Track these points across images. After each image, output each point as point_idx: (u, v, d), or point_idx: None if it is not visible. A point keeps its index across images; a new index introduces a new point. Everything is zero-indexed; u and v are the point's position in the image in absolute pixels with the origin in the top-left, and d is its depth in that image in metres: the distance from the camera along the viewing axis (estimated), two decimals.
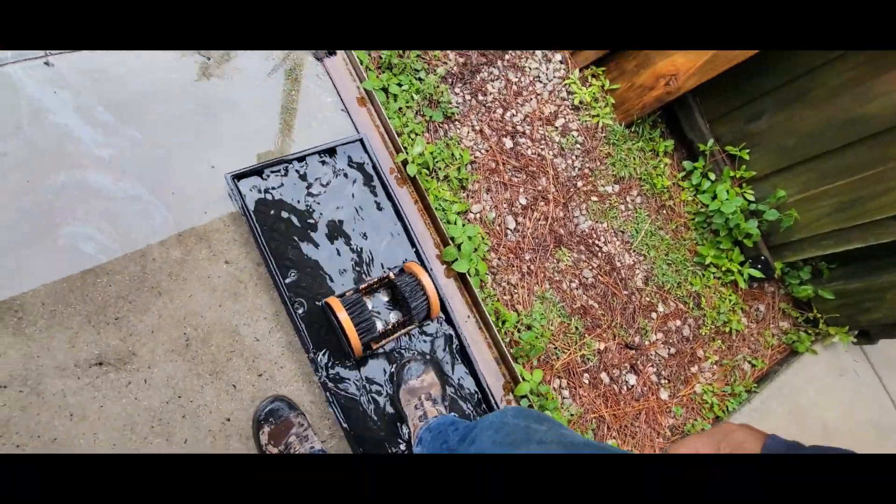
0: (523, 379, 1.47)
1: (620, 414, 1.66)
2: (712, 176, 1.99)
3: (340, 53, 1.58)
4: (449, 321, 1.43)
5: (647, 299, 1.85)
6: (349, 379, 1.30)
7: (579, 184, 1.89)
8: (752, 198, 1.92)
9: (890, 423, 2.06)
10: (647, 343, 1.80)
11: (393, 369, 1.34)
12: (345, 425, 1.22)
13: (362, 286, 1.34)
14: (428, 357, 1.37)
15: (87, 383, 1.12)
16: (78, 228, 1.19)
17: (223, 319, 1.25)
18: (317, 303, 1.32)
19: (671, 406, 1.75)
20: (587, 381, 1.66)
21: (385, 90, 1.61)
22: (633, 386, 1.72)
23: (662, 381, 1.78)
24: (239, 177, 1.31)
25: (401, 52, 1.67)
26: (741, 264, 1.97)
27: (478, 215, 1.68)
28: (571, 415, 1.58)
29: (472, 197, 1.69)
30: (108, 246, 1.20)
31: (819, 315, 2.01)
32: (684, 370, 1.82)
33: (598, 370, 1.69)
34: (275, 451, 1.14)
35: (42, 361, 1.09)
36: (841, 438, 1.92)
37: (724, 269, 1.97)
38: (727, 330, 1.93)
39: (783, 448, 0.46)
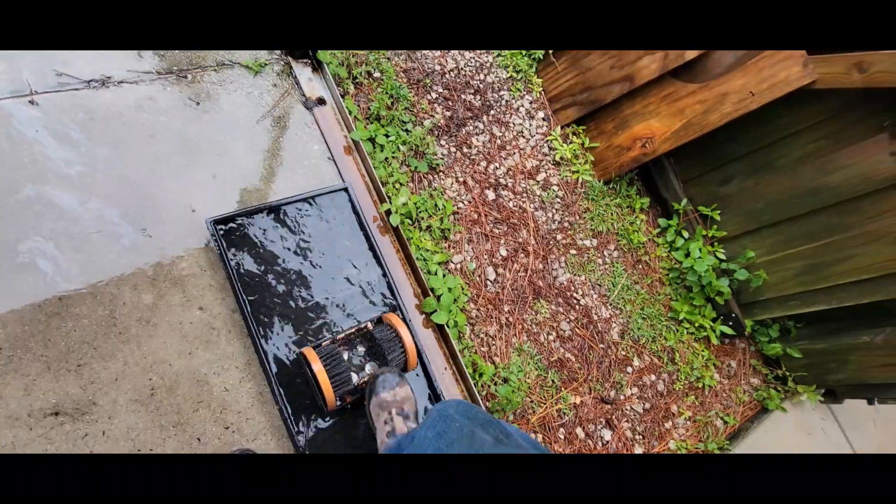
0: None
1: None
2: (686, 234, 2.06)
3: (330, 102, 1.61)
4: (426, 373, 1.41)
5: (623, 353, 1.87)
6: (322, 432, 1.26)
7: (559, 237, 1.93)
8: (723, 256, 1.99)
9: None
10: (622, 398, 1.80)
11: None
12: None
13: (339, 336, 1.32)
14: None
15: (40, 434, 1.06)
16: (42, 253, 1.15)
17: (192, 368, 1.21)
18: (293, 352, 1.29)
19: None
20: (563, 437, 1.65)
21: (372, 140, 1.64)
22: (607, 442, 1.71)
23: (637, 437, 1.77)
24: (219, 221, 1.30)
25: (389, 104, 1.72)
26: (713, 320, 2.02)
27: (459, 265, 1.69)
28: None
29: (454, 247, 1.71)
30: (79, 282, 1.17)
31: (788, 373, 2.06)
32: (658, 426, 1.82)
33: (573, 425, 1.68)
34: None
35: None
36: None
37: (697, 324, 2.01)
38: (700, 385, 1.96)
39: None
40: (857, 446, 2.18)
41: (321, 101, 1.59)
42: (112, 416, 1.12)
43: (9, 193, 1.17)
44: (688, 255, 2.00)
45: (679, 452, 1.79)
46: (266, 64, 1.58)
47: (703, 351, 2.01)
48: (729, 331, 1.99)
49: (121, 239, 1.24)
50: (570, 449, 1.63)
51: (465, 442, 0.60)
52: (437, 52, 1.95)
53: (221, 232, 1.31)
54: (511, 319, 1.71)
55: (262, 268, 1.33)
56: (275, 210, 1.39)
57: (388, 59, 1.82)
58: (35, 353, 1.10)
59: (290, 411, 1.23)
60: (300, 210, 1.43)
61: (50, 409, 1.07)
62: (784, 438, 1.99)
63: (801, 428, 2.06)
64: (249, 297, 1.28)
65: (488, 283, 1.73)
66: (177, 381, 1.19)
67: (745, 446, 1.90)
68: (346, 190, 1.48)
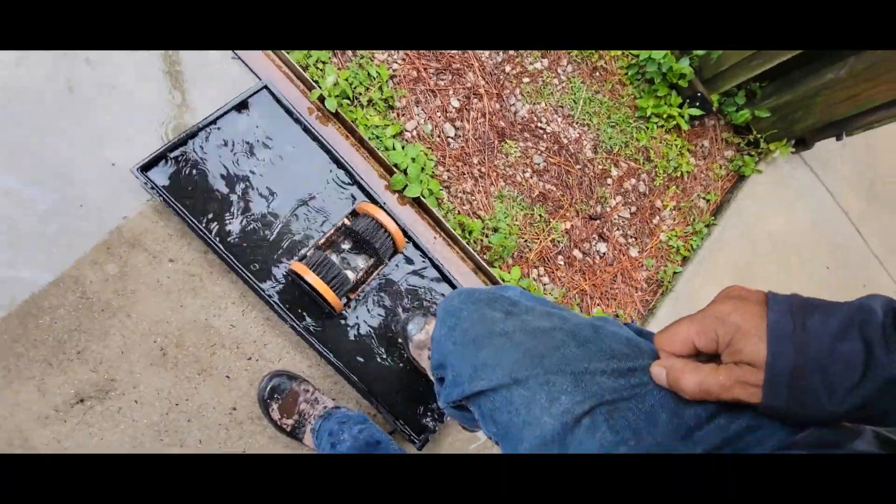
0: (503, 280, 1.50)
1: (599, 282, 1.75)
2: None
3: None
4: (417, 247, 1.41)
5: (600, 167, 1.86)
6: (338, 331, 1.29)
7: (507, 68, 1.79)
8: None
9: (826, 215, 2.25)
10: (608, 209, 1.84)
11: (393, 323, 1.34)
12: (352, 376, 1.24)
13: (321, 241, 1.28)
14: (429, 308, 1.37)
15: (78, 422, 1.08)
16: None
17: (190, 318, 1.20)
18: (279, 268, 1.27)
19: (642, 260, 1.84)
20: (562, 263, 1.72)
21: None
22: (604, 253, 1.80)
23: (630, 241, 1.86)
24: (146, 167, 1.17)
25: None
26: (680, 106, 1.98)
27: (414, 131, 1.59)
28: (555, 298, 1.65)
29: (403, 114, 1.59)
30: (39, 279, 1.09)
31: (759, 135, 2.09)
32: (647, 224, 1.90)
33: (569, 249, 1.74)
34: (290, 422, 1.16)
35: (17, 419, 1.04)
36: (785, 243, 2.10)
37: (665, 115, 1.97)
38: (678, 174, 1.99)
39: (786, 311, 0.40)
40: (826, 181, 2.31)
41: None
42: (136, 384, 1.13)
43: None
44: None
45: (670, 242, 1.89)
46: None
47: (675, 140, 2.00)
48: (697, 111, 1.97)
49: (55, 219, 1.13)
50: (571, 271, 1.71)
51: (477, 326, 0.59)
52: None
53: (153, 177, 1.19)
54: (483, 170, 1.67)
55: (214, 198, 1.24)
56: (195, 135, 1.24)
57: None
58: (28, 356, 1.07)
59: (301, 324, 1.24)
60: (226, 127, 1.28)
61: (72, 398, 1.08)
62: (761, 197, 2.09)
63: (777, 184, 2.16)
64: (214, 233, 1.21)
65: (449, 140, 1.64)
66: (182, 335, 1.18)
67: (728, 217, 2.01)
68: (266, 88, 1.32)
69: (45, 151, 1.15)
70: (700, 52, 1.84)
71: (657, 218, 1.92)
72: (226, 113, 1.27)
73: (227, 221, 1.24)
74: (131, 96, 1.24)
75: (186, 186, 1.22)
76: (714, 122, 2.13)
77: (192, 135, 1.23)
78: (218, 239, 1.21)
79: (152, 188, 1.16)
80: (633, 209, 1.89)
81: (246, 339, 1.24)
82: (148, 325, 1.16)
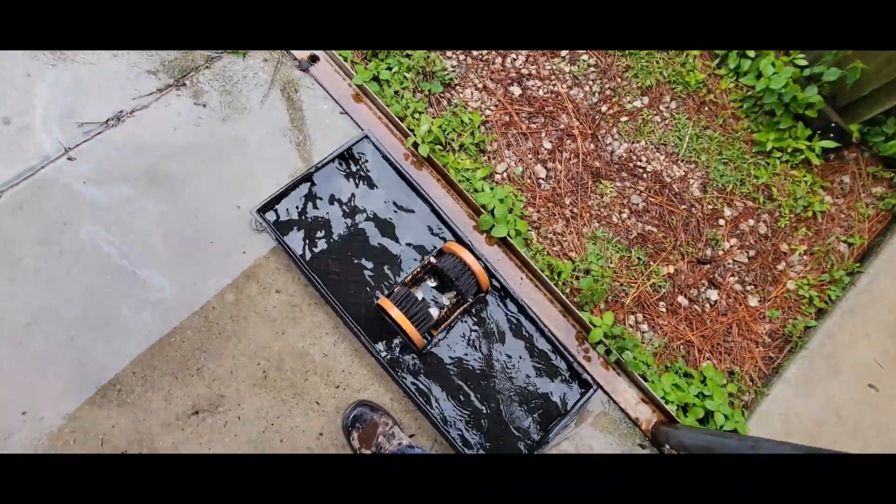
0: (593, 325, 1.41)
1: (709, 333, 1.56)
2: (751, 53, 1.77)
3: (323, 57, 1.56)
4: (502, 288, 1.40)
5: (710, 207, 1.71)
6: (419, 367, 1.32)
7: (603, 108, 1.75)
8: (803, 62, 1.69)
9: None
10: (720, 253, 1.67)
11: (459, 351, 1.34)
12: (431, 413, 1.25)
13: (407, 278, 1.34)
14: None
15: (192, 432, 1.22)
16: (130, 312, 1.29)
17: (290, 345, 1.31)
18: (370, 303, 1.34)
19: (764, 311, 1.62)
20: (664, 310, 1.58)
21: (377, 79, 1.57)
22: (715, 301, 1.61)
23: (748, 288, 1.65)
24: (263, 209, 1.35)
25: None
26: (809, 139, 1.76)
27: (504, 174, 1.61)
28: (656, 347, 1.51)
29: (494, 157, 1.63)
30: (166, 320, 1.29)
31: None
32: (770, 270, 1.67)
33: (673, 295, 1.59)
34: (368, 452, 1.19)
35: (148, 423, 1.21)
36: None
37: (790, 150, 1.76)
38: (809, 214, 1.74)
39: None
40: None
41: (314, 59, 1.54)
42: (240, 402, 1.25)
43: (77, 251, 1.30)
44: (759, 76, 1.72)
45: (800, 291, 1.64)
46: None
47: (804, 176, 1.77)
48: (831, 143, 1.73)
49: (194, 249, 1.34)
50: (674, 319, 1.56)
51: None
52: None
53: (269, 218, 1.36)
54: (575, 210, 1.62)
55: (318, 237, 1.37)
56: (306, 180, 1.40)
57: None
58: (161, 369, 1.25)
59: (385, 357, 1.29)
60: (332, 173, 1.43)
61: (189, 410, 1.23)
62: None
63: None
64: (315, 269, 1.33)
65: (540, 181, 1.64)
66: (281, 360, 1.30)
67: (880, 263, 1.69)
68: (366, 137, 1.45)
69: (186, 198, 1.38)
70: (831, 79, 1.63)
71: (783, 263, 1.69)
72: (332, 160, 1.42)
73: (328, 258, 1.36)
74: (258, 149, 1.45)
75: (294, 226, 1.37)
76: (856, 155, 1.85)
77: (302, 180, 1.39)
78: (318, 274, 1.33)
79: (266, 227, 1.33)
80: (752, 253, 1.68)
81: (336, 367, 1.32)
82: (255, 349, 1.30)
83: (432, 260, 1.35)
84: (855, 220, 1.77)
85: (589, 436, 1.36)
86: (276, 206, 1.38)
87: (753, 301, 1.63)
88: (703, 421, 1.41)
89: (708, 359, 1.54)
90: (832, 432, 1.45)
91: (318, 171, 1.41)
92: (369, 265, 1.38)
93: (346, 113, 1.52)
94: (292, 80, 1.53)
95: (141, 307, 1.28)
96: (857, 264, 1.69)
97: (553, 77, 1.76)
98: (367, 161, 1.46)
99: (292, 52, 1.55)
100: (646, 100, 1.79)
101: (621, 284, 1.57)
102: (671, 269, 1.62)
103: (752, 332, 1.59)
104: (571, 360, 1.37)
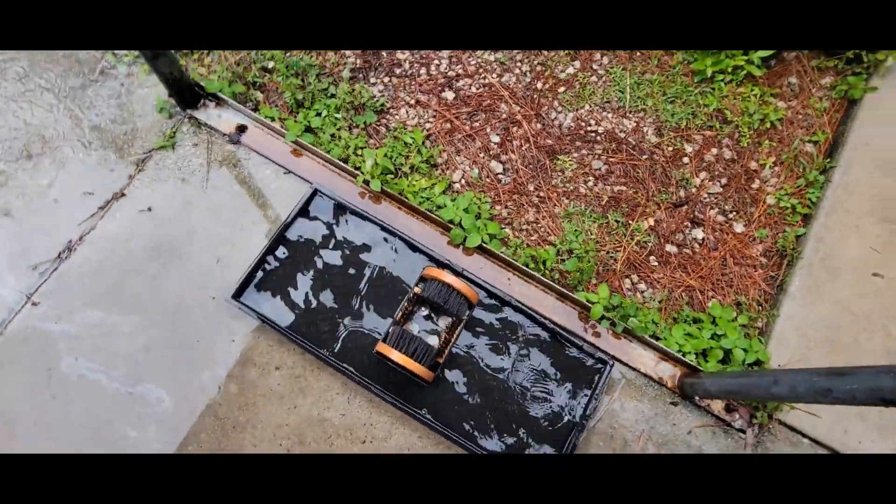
0: (591, 303, 1.41)
1: (705, 273, 1.56)
2: None
3: (251, 124, 1.53)
4: (493, 295, 1.40)
5: (671, 148, 1.70)
6: (436, 399, 1.31)
7: (538, 85, 1.74)
8: None
9: None
10: (693, 190, 1.66)
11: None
12: (459, 440, 1.24)
13: (398, 316, 1.33)
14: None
15: None
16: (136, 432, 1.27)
17: (305, 416, 1.30)
18: (368, 350, 1.33)
19: (752, 234, 1.61)
20: (656, 263, 1.57)
21: (309, 129, 1.55)
22: (703, 239, 1.61)
23: (731, 216, 1.64)
24: (237, 294, 1.33)
25: (300, 83, 1.59)
26: (745, 53, 1.74)
27: (462, 181, 1.60)
28: (658, 302, 1.50)
29: (447, 168, 1.61)
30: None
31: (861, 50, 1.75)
32: (746, 191, 1.67)
33: (660, 246, 1.59)
34: None
35: None
36: None
37: (730, 69, 1.75)
38: (768, 126, 1.74)
39: None
40: None
41: (241, 129, 1.52)
42: None
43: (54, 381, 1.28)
44: None
45: (781, 203, 1.63)
46: (175, 132, 1.52)
47: (751, 91, 1.76)
48: (767, 51, 1.71)
49: (182, 355, 1.32)
50: (668, 269, 1.55)
51: None
52: None
53: (247, 301, 1.34)
54: (542, 194, 1.61)
55: (299, 302, 1.36)
56: (270, 252, 1.38)
57: None
58: None
59: (402, 400, 1.28)
60: (293, 237, 1.41)
61: None
62: (890, 116, 1.72)
63: None
64: (306, 335, 1.32)
65: (499, 177, 1.62)
66: (301, 434, 1.29)
67: (848, 152, 1.68)
68: (317, 192, 1.44)
69: (160, 296, 1.36)
70: None
71: (756, 181, 1.68)
72: (290, 223, 1.40)
73: (315, 322, 1.35)
74: (215, 235, 1.43)
75: (273, 299, 1.35)
76: (796, 54, 1.84)
77: (266, 253, 1.37)
78: (311, 340, 1.31)
79: (247, 309, 1.31)
80: (724, 181, 1.68)
81: (356, 423, 1.31)
82: (272, 431, 1.29)
83: (417, 290, 1.34)
84: (813, 117, 1.77)
85: (620, 410, 1.35)
86: (249, 286, 1.36)
87: (739, 227, 1.63)
88: (724, 361, 1.41)
89: (712, 297, 1.54)
90: (849, 332, 1.45)
91: (280, 239, 1.40)
92: (356, 314, 1.37)
93: (290, 172, 1.50)
94: (227, 157, 1.51)
95: (145, 424, 1.27)
96: (828, 160, 1.69)
97: (481, 70, 1.74)
98: (324, 213, 1.44)
99: (217, 128, 1.52)
100: (577, 64, 1.78)
101: (608, 252, 1.56)
102: (651, 222, 1.61)
103: (747, 258, 1.59)
104: (580, 343, 1.37)
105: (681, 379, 1.38)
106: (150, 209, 1.44)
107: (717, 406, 1.37)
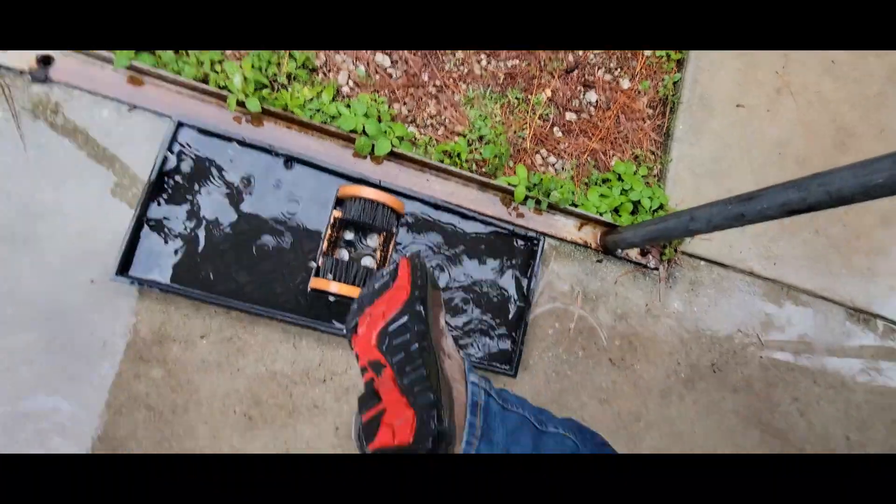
0: (513, 185, 1.40)
1: (604, 134, 1.62)
2: None
3: (57, 54, 1.16)
4: (415, 199, 1.32)
5: None
6: None
7: None
8: None
9: None
10: (580, 53, 1.65)
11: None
12: None
13: (324, 247, 1.22)
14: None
15: None
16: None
17: (252, 375, 1.19)
18: (303, 288, 1.22)
19: (637, 87, 1.68)
20: (560, 133, 1.59)
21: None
22: (597, 101, 1.64)
23: (616, 73, 1.68)
24: (122, 269, 1.10)
25: None
26: None
27: (349, 84, 1.42)
28: (570, 172, 1.55)
29: (329, 70, 1.40)
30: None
31: None
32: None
33: (561, 116, 1.60)
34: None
35: None
36: None
37: None
38: None
39: None
40: None
41: (46, 61, 1.15)
42: (235, 450, 1.16)
43: None
44: None
45: (657, 53, 1.70)
46: None
47: None
48: None
49: (73, 358, 1.10)
50: (571, 137, 1.58)
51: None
52: None
53: (137, 274, 1.12)
54: (438, 83, 1.50)
55: (204, 259, 1.17)
56: (144, 210, 1.14)
57: None
58: None
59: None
60: (170, 186, 1.17)
61: None
62: None
63: None
64: (224, 291, 1.16)
65: (389, 71, 1.46)
66: (255, 394, 1.19)
67: None
68: (179, 125, 1.17)
69: (21, 298, 1.09)
70: None
71: None
72: (159, 173, 1.15)
73: (227, 274, 1.18)
74: (64, 207, 1.13)
75: (171, 264, 1.15)
76: None
77: (141, 214, 1.13)
78: (229, 294, 1.16)
79: (139, 282, 1.10)
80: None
81: (311, 366, 1.23)
82: (221, 402, 1.17)
83: (337, 214, 1.22)
84: None
85: (556, 279, 1.43)
86: (133, 257, 1.13)
87: (626, 83, 1.68)
88: (634, 212, 1.53)
89: (613, 156, 1.62)
90: (727, 159, 1.64)
91: (152, 192, 1.15)
92: (274, 254, 1.22)
93: (136, 107, 1.19)
94: (40, 102, 1.15)
95: (45, 439, 1.08)
96: None
97: None
98: (199, 150, 1.20)
99: (10, 65, 1.14)
100: None
101: (515, 132, 1.53)
102: (549, 93, 1.60)
103: (636, 112, 1.67)
104: (511, 227, 1.38)
105: (602, 237, 1.48)
106: None
107: (634, 253, 1.51)
